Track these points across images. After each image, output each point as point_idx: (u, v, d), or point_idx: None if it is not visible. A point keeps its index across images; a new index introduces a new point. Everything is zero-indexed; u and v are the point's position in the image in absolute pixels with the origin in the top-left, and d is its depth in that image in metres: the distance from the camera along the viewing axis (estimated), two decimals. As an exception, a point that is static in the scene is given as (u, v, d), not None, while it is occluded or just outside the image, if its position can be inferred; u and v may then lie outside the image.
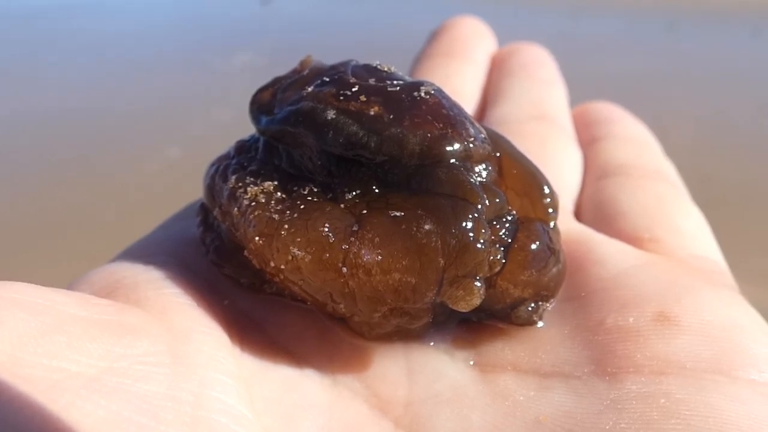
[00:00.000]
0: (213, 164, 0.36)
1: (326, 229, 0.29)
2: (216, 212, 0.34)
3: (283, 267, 0.29)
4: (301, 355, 0.33)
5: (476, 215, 0.29)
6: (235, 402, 0.28)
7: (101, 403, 0.24)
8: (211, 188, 0.35)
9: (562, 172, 0.42)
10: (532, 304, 0.32)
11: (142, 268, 0.33)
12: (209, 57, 2.58)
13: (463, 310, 0.29)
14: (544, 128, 0.47)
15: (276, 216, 0.30)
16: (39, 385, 0.23)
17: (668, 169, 0.45)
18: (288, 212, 0.30)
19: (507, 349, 0.33)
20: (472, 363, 0.33)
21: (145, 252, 0.35)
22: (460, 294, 0.29)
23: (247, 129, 0.36)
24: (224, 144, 0.38)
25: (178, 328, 0.29)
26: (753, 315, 0.32)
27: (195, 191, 0.39)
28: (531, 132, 0.46)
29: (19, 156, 1.88)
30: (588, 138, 0.48)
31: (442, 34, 0.58)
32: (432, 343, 0.33)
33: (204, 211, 0.37)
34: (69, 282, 0.33)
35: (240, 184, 0.32)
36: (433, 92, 0.32)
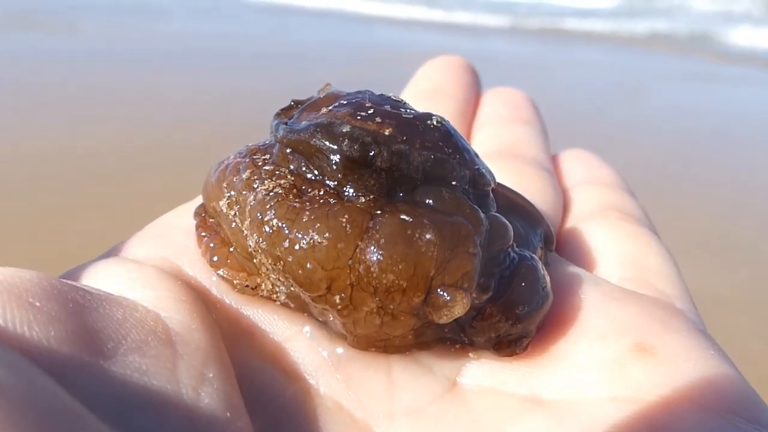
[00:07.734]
0: (220, 162, 0.36)
1: (344, 220, 0.30)
2: (222, 202, 0.34)
3: (296, 248, 0.30)
4: (289, 361, 0.33)
5: (473, 234, 0.31)
6: (231, 398, 0.28)
7: None
8: (219, 181, 0.35)
9: (544, 208, 0.44)
10: (517, 340, 0.33)
11: (137, 265, 0.33)
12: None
13: (444, 320, 0.30)
14: (524, 166, 0.49)
15: (296, 204, 0.31)
16: None
17: (641, 212, 0.48)
18: (308, 203, 0.31)
19: (488, 370, 0.34)
20: (453, 381, 0.34)
21: (139, 249, 0.35)
22: (442, 302, 0.30)
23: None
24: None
25: (173, 325, 0.29)
26: (720, 352, 0.34)
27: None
28: (514, 170, 0.48)
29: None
30: (567, 182, 0.51)
31: (425, 74, 0.61)
32: (415, 360, 0.34)
33: (203, 210, 0.37)
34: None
35: (255, 177, 0.33)
36: (444, 122, 0.34)
